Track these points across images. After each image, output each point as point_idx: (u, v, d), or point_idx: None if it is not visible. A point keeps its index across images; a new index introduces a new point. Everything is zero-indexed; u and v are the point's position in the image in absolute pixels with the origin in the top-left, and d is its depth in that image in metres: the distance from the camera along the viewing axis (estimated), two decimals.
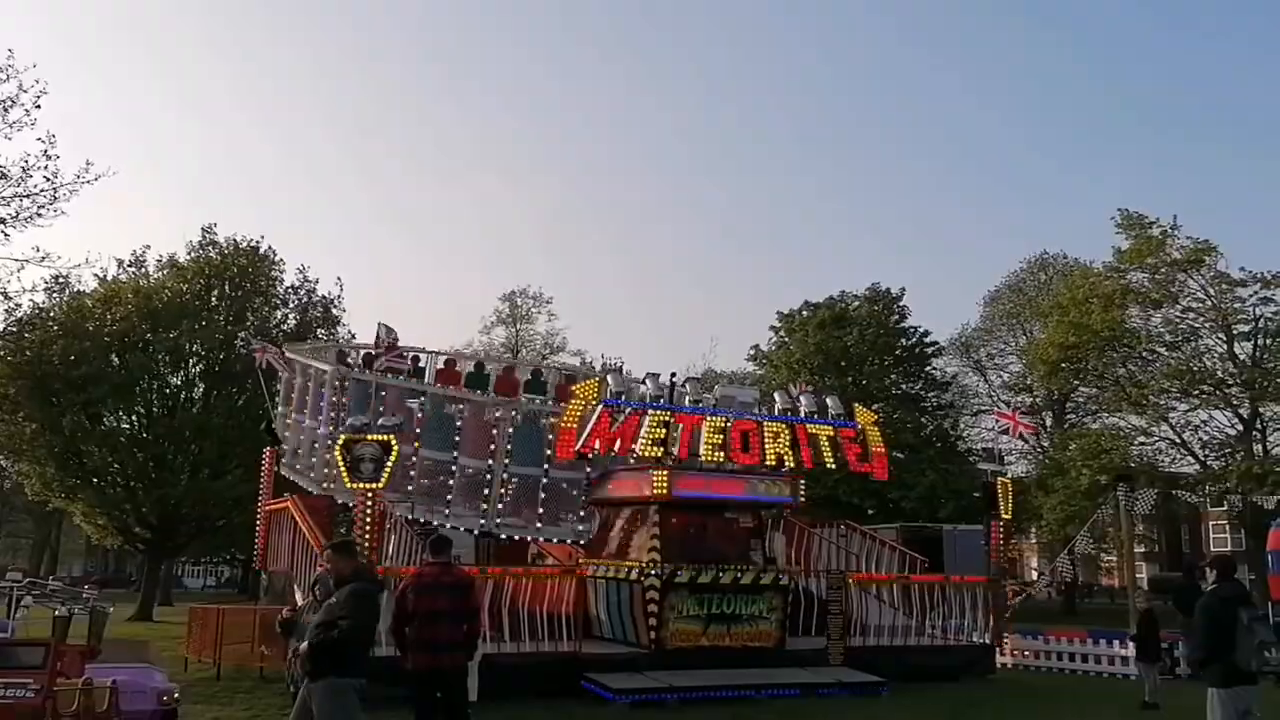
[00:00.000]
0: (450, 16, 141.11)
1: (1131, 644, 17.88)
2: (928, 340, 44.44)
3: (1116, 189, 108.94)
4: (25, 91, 24.15)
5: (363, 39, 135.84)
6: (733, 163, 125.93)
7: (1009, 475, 21.01)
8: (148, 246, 41.04)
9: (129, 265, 36.20)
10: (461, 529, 16.80)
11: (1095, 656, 18.77)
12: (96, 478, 34.40)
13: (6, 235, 25.21)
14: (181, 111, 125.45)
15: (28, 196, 24.62)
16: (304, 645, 7.19)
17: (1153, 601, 16.06)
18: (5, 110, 23.97)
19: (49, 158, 24.58)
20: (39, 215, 24.90)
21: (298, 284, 37.79)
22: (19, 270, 26.80)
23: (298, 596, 15.02)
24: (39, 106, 24.38)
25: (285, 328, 35.31)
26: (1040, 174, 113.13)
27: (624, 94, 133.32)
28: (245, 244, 36.75)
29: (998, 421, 22.18)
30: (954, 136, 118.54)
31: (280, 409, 21.08)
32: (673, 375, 16.68)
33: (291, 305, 37.54)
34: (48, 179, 24.63)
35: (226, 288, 35.72)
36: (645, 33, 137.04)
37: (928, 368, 44.98)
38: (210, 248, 36.40)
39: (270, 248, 37.10)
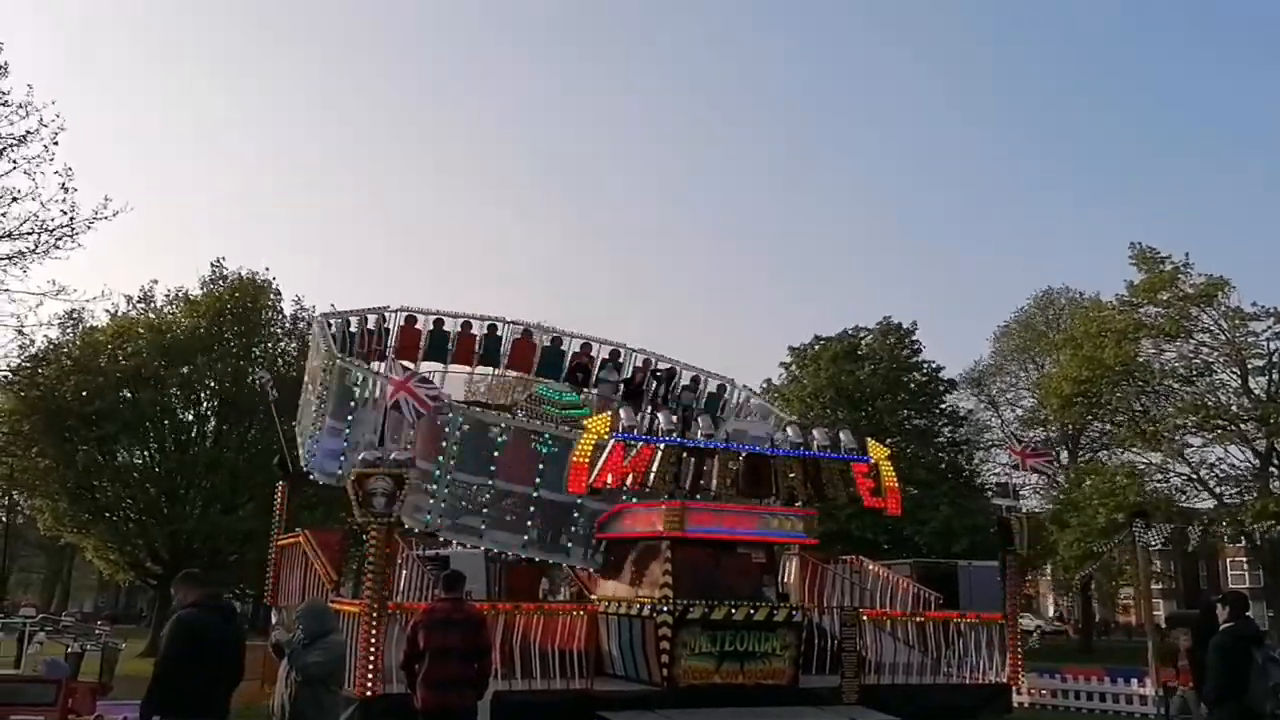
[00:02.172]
0: (455, 21, 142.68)
1: (1150, 682, 17.72)
2: (940, 375, 44.26)
3: (1130, 224, 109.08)
4: (45, 126, 24.16)
5: (355, 47, 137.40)
6: (745, 194, 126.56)
7: (1024, 511, 20.78)
8: (155, 281, 41.16)
9: (138, 301, 36.36)
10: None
11: (1113, 695, 18.54)
12: (109, 512, 34.50)
13: (26, 270, 25.20)
14: (185, 138, 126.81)
15: (47, 231, 24.63)
16: None
17: (1179, 638, 15.86)
18: (24, 144, 24.00)
19: (66, 190, 24.59)
20: (56, 248, 24.92)
21: (295, 314, 37.81)
22: (37, 305, 26.75)
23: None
24: (57, 143, 24.38)
25: (289, 358, 35.29)
26: (1052, 209, 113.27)
27: (637, 124, 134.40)
28: (250, 277, 36.89)
29: (1010, 457, 21.96)
30: (965, 169, 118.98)
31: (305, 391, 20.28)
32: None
33: (293, 335, 37.40)
34: (65, 213, 24.64)
35: (236, 323, 35.82)
36: (654, 60, 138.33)
37: (941, 403, 44.75)
38: (220, 281, 36.63)
39: (272, 278, 37.41)
